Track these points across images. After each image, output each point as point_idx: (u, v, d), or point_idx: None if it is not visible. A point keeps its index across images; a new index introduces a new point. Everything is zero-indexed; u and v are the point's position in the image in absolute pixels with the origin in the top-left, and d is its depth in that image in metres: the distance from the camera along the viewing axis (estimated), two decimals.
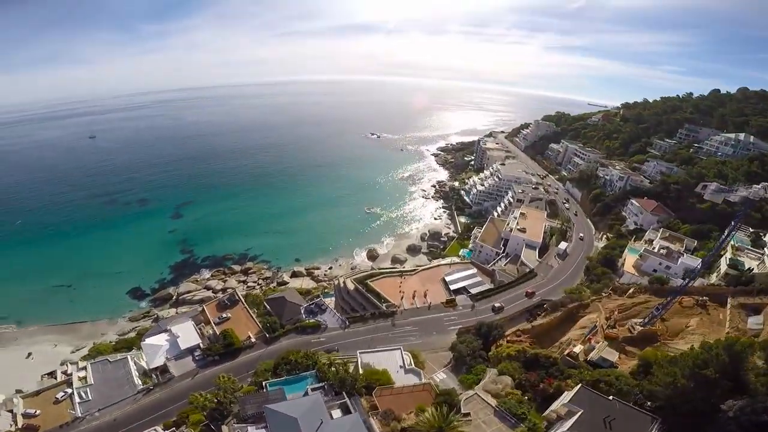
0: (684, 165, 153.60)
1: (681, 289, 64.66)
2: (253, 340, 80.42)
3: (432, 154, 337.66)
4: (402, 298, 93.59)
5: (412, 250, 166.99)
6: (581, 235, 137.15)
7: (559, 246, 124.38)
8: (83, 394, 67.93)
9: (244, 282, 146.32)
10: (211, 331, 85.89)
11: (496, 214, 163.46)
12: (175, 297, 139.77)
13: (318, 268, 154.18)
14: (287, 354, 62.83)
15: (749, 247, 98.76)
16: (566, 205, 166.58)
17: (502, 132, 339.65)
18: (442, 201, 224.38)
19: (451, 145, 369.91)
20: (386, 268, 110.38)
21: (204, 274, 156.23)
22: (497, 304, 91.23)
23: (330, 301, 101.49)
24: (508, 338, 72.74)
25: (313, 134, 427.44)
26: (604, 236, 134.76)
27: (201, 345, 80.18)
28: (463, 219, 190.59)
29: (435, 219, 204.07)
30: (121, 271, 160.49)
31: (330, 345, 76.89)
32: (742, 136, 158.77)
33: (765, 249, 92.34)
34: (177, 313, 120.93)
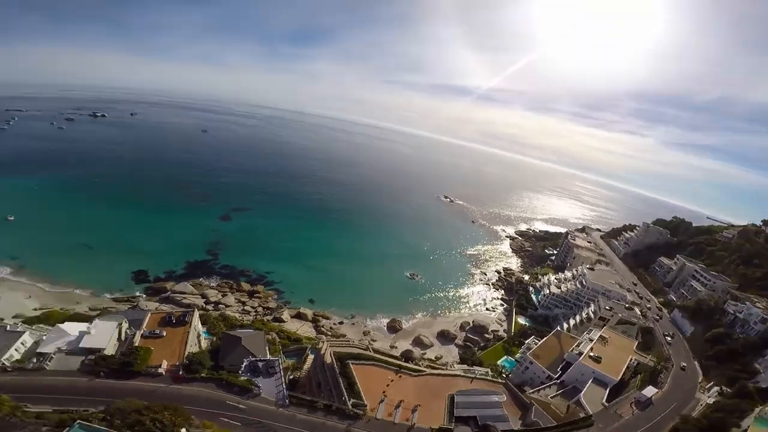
0: None
1: None
2: (161, 370, 57.10)
3: (508, 236, 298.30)
4: (382, 401, 62.77)
5: (444, 337, 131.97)
6: (679, 381, 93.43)
7: (642, 391, 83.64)
8: None
9: (243, 303, 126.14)
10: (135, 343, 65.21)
11: (566, 326, 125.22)
12: (168, 293, 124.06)
13: (328, 318, 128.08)
14: (140, 406, 38.17)
15: None
16: (668, 338, 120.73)
17: (598, 230, 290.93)
18: (502, 292, 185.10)
19: (533, 231, 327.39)
20: (384, 354, 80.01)
21: (211, 281, 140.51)
22: None
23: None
24: None
25: (385, 182, 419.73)
26: (716, 390, 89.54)
27: (103, 352, 59.66)
28: (521, 320, 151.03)
29: (486, 310, 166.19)
30: (142, 251, 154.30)
31: (244, 420, 49.92)
32: None
33: None
34: (156, 308, 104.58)
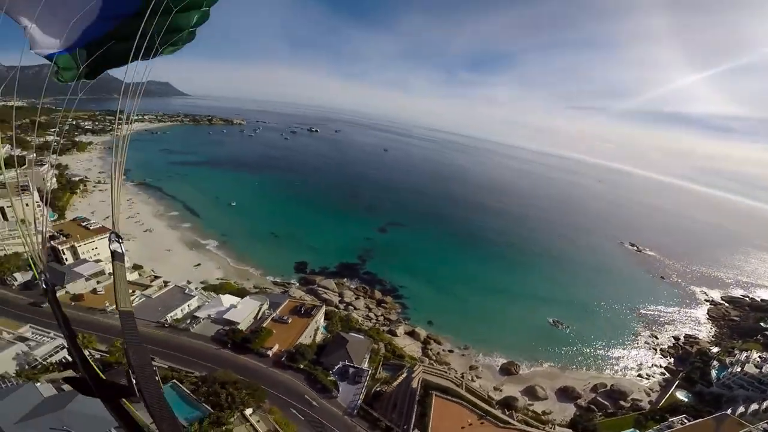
0: None
1: None
2: (269, 352, 69.15)
3: (708, 301, 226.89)
4: None
5: (566, 394, 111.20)
6: None
7: None
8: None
9: (369, 309, 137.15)
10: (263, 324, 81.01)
11: (740, 410, 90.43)
12: (315, 285, 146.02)
13: (439, 343, 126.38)
14: (231, 379, 48.48)
15: None
16: None
17: None
18: (671, 361, 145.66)
19: (749, 299, 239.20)
20: (476, 395, 73.54)
21: (351, 283, 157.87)
22: None
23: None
24: None
25: (559, 218, 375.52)
26: None
27: (237, 326, 76.42)
28: (680, 394, 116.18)
29: (638, 376, 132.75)
30: (310, 246, 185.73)
31: (309, 416, 55.77)
32: None
33: None
34: (300, 297, 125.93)
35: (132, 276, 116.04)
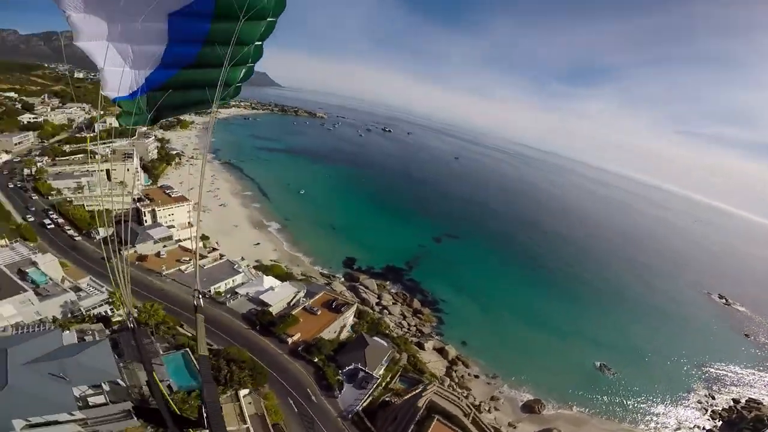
0: None
1: None
2: (289, 339, 71.06)
3: None
4: None
5: None
6: None
7: None
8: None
9: (404, 317, 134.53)
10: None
11: None
12: (357, 283, 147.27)
13: (467, 366, 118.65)
14: (241, 357, 50.57)
15: None
16: None
17: None
18: (717, 424, 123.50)
19: None
20: (481, 428, 67.38)
21: (393, 288, 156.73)
22: None
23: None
24: None
25: (636, 257, 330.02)
26: None
27: (269, 308, 79.42)
28: None
29: None
30: (362, 243, 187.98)
31: (302, 410, 55.87)
32: None
33: None
34: (340, 292, 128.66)
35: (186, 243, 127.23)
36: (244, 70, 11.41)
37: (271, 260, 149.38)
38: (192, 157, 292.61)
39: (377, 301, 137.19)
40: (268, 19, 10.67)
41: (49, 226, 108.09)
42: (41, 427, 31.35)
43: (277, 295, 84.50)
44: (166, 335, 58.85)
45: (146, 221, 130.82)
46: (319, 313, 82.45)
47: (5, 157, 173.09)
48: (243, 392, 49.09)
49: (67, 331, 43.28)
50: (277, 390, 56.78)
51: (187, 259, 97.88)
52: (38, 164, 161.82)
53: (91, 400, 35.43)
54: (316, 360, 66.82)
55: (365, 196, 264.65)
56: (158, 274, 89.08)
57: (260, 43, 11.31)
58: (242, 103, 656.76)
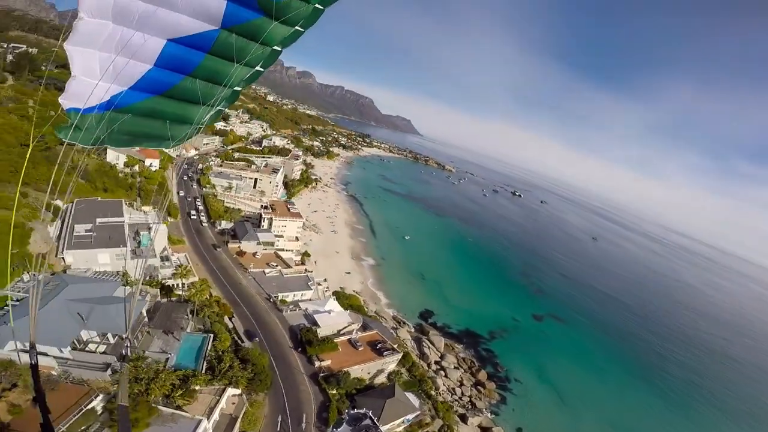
0: None
1: None
2: (317, 363, 71.85)
3: None
4: None
5: None
6: None
7: None
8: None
9: (460, 384, 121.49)
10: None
11: None
12: (424, 337, 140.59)
13: None
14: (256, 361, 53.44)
15: None
16: None
17: None
18: None
19: None
20: None
21: (464, 353, 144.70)
22: None
23: None
24: None
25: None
26: None
27: (319, 328, 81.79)
28: None
29: None
30: (446, 298, 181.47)
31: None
32: None
33: None
34: (402, 339, 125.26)
35: (290, 254, 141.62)
36: (212, 112, 10.71)
37: (354, 291, 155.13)
38: (326, 185, 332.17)
39: (437, 359, 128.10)
40: (257, 68, 10.56)
41: (192, 216, 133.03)
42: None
43: (331, 318, 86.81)
44: (208, 317, 65.74)
45: (263, 225, 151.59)
46: (361, 348, 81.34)
47: (193, 152, 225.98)
48: (233, 391, 51.19)
49: (127, 287, 53.63)
50: (273, 403, 57.43)
51: (275, 264, 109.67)
52: (209, 162, 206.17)
53: (91, 347, 43.08)
54: (333, 391, 65.60)
55: (469, 256, 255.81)
56: (245, 270, 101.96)
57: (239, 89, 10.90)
58: (383, 144, 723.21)
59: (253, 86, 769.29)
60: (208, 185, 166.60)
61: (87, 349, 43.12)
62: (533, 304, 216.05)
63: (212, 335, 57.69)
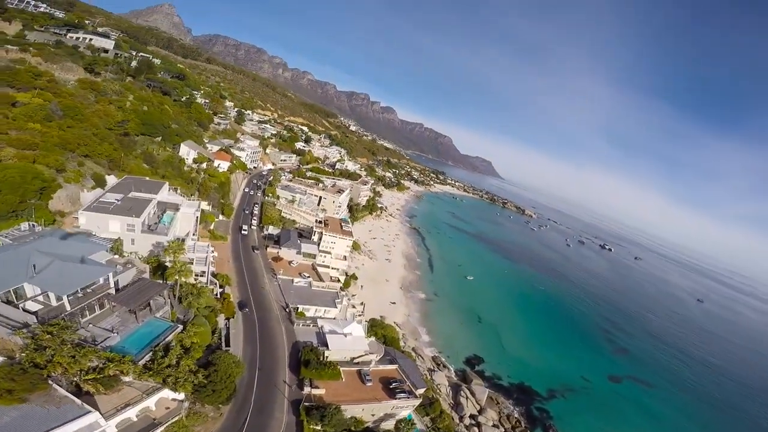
0: None
1: None
2: (310, 390, 60.33)
3: None
4: None
5: None
6: None
7: None
8: None
9: (475, 421, 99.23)
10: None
11: None
12: (465, 386, 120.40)
13: None
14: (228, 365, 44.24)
15: None
16: None
17: None
18: None
19: None
20: None
21: (512, 410, 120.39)
22: None
23: None
24: None
25: None
26: None
27: (327, 350, 71.71)
28: None
29: None
30: (502, 347, 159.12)
31: None
32: None
33: None
34: (436, 385, 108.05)
35: (332, 272, 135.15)
36: None
37: (394, 322, 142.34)
38: (391, 215, 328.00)
39: (475, 413, 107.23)
40: None
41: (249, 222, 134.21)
42: None
43: (345, 343, 75.36)
44: (195, 308, 59.29)
45: (313, 238, 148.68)
46: (370, 384, 68.12)
47: (270, 166, 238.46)
48: (172, 395, 42.47)
49: (115, 255, 49.87)
50: (229, 425, 46.94)
51: (306, 275, 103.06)
52: (280, 176, 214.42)
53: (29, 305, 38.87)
54: (314, 427, 53.43)
55: (539, 306, 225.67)
56: (274, 275, 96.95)
57: None
58: (457, 183, 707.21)
59: (339, 117, 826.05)
60: (270, 194, 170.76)
61: (24, 306, 39.14)
62: (611, 364, 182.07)
63: (181, 326, 50.82)
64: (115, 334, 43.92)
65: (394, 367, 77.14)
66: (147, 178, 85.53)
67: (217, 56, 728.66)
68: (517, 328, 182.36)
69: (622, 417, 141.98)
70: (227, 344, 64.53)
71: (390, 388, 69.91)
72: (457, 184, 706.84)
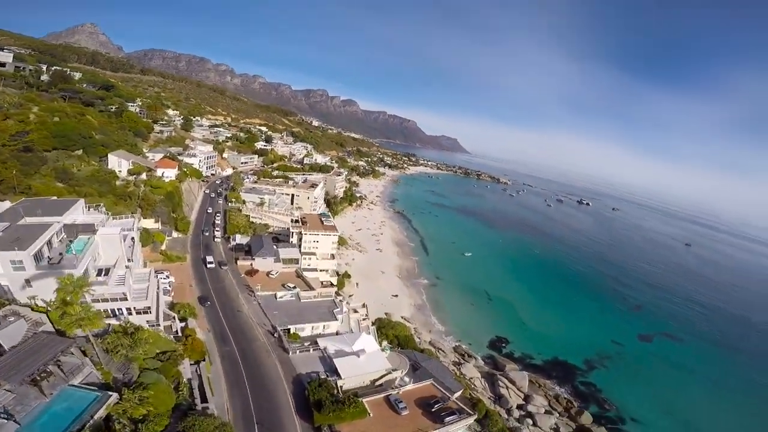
0: None
1: None
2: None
3: None
4: None
5: None
6: None
7: None
8: None
9: (525, 411, 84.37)
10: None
11: None
12: (499, 373, 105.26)
13: None
14: None
15: None
16: None
17: None
18: None
19: None
20: None
21: (556, 389, 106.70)
22: None
23: None
24: None
25: None
26: None
27: (340, 380, 52.84)
28: None
29: None
30: (523, 324, 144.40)
31: None
32: None
33: None
34: (469, 380, 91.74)
35: (321, 275, 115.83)
36: None
37: (402, 317, 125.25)
38: (372, 203, 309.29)
39: (521, 402, 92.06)
40: None
41: (205, 232, 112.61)
42: None
43: (359, 365, 57.28)
44: (127, 360, 38.91)
45: (292, 241, 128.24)
46: (405, 412, 50.31)
47: (229, 170, 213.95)
48: None
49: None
50: None
51: (292, 286, 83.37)
52: (244, 180, 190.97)
53: None
54: None
55: (542, 271, 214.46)
56: (251, 293, 76.53)
57: None
58: (429, 163, 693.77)
59: (299, 115, 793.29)
60: (234, 200, 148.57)
61: None
62: (634, 322, 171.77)
63: (116, 394, 32.00)
64: (8, 421, 25.72)
65: (428, 382, 59.31)
66: (54, 198, 63.18)
67: (155, 69, 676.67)
68: (529, 299, 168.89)
69: (672, 376, 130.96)
70: (203, 399, 45.73)
71: (432, 411, 52.26)
72: (429, 163, 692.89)
